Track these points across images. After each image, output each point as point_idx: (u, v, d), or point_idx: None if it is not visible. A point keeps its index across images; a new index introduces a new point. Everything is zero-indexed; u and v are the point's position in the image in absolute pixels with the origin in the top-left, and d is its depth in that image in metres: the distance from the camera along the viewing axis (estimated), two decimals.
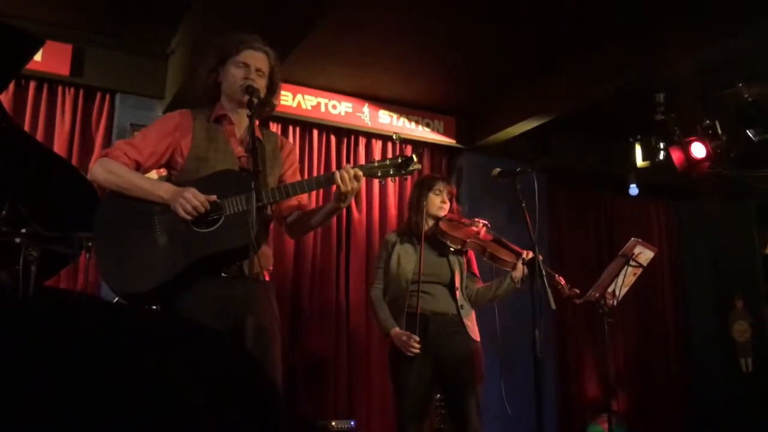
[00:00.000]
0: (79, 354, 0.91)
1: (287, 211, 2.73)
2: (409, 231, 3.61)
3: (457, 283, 3.53)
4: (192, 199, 2.33)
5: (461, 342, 3.45)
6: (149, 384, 0.91)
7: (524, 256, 3.42)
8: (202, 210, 2.34)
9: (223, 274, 2.44)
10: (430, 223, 3.60)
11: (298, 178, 2.74)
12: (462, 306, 3.50)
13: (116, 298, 2.59)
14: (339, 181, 2.42)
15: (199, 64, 2.69)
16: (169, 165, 2.59)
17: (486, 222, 3.62)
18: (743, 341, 6.84)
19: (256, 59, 2.59)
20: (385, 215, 5.75)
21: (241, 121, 2.64)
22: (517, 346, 5.58)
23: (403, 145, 5.89)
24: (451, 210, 3.65)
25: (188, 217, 2.34)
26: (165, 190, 2.40)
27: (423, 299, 3.44)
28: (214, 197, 2.36)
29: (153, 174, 2.79)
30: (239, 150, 2.60)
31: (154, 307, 2.63)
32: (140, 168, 2.51)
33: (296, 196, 2.54)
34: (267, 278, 2.60)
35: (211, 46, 2.66)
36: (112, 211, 2.45)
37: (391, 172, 2.50)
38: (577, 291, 3.49)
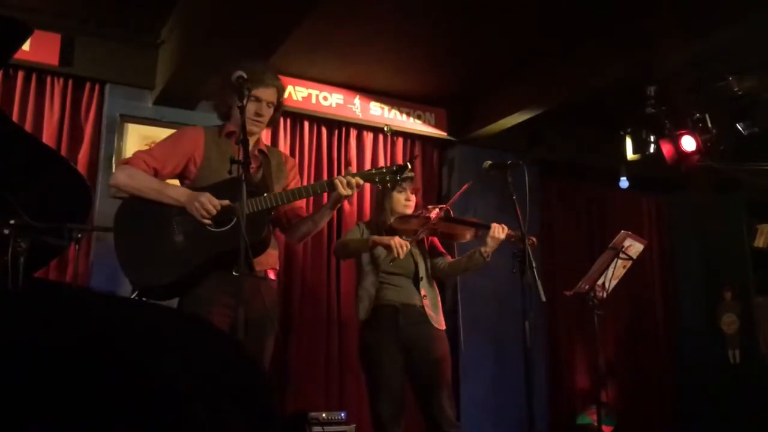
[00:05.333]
0: (69, 345, 0.91)
1: (292, 217, 3.02)
2: (376, 228, 3.67)
3: (421, 274, 3.58)
4: (206, 203, 2.58)
5: (426, 331, 3.52)
6: (139, 375, 0.90)
7: (492, 231, 3.45)
8: (214, 212, 2.59)
9: (233, 273, 2.60)
10: (393, 217, 3.64)
11: None
12: (426, 296, 3.55)
13: (133, 292, 2.76)
14: (340, 187, 2.70)
15: (216, 90, 2.98)
16: (182, 174, 2.85)
17: (445, 206, 3.62)
18: (731, 333, 6.89)
19: (268, 94, 2.86)
20: None
21: (250, 137, 2.86)
22: (508, 337, 5.62)
23: (395, 137, 5.89)
24: (416, 204, 3.71)
25: (203, 220, 2.58)
26: (181, 194, 2.67)
27: (391, 290, 3.54)
28: (227, 201, 2.61)
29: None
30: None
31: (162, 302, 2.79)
32: (157, 176, 2.76)
33: (298, 203, 2.94)
34: (273, 277, 2.91)
35: (227, 76, 2.83)
36: (131, 213, 2.70)
37: (388, 179, 2.78)
38: (534, 239, 3.41)
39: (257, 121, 2.85)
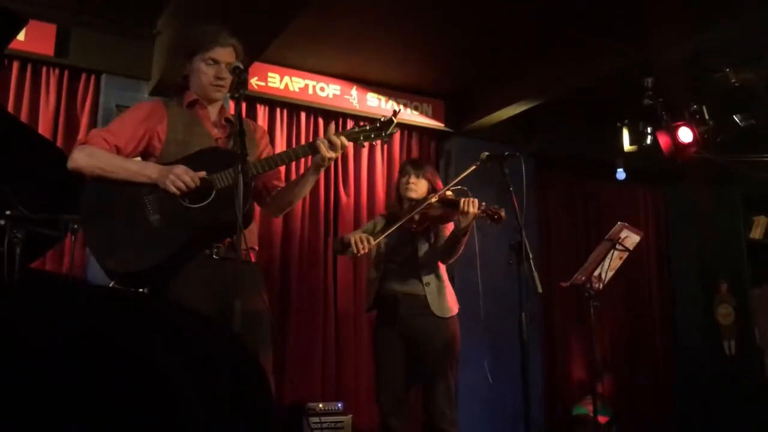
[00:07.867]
0: (66, 339, 0.91)
1: (271, 189, 2.79)
2: (390, 216, 3.67)
3: (421, 261, 3.53)
4: (183, 175, 2.37)
5: (429, 322, 3.46)
6: (136, 370, 0.90)
7: (462, 206, 3.29)
8: (192, 185, 2.38)
9: (214, 256, 2.48)
10: (406, 205, 3.61)
11: None
12: (428, 284, 3.50)
13: (110, 282, 2.62)
14: (323, 148, 2.51)
15: (173, 58, 2.76)
16: (146, 152, 2.62)
17: (440, 191, 3.55)
18: (727, 325, 6.92)
19: (225, 55, 2.63)
20: (373, 199, 5.74)
21: (213, 105, 2.71)
22: (504, 329, 5.63)
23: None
24: (434, 189, 3.59)
25: (179, 193, 2.37)
26: (152, 170, 2.44)
27: (393, 280, 3.51)
28: (203, 173, 2.40)
29: None
30: (215, 132, 2.67)
31: (144, 290, 2.64)
32: (119, 154, 2.53)
33: (275, 173, 2.70)
34: (253, 259, 2.64)
35: (180, 41, 2.72)
36: (98, 195, 2.46)
37: (372, 136, 2.60)
38: (502, 214, 3.32)
39: (219, 85, 2.63)
